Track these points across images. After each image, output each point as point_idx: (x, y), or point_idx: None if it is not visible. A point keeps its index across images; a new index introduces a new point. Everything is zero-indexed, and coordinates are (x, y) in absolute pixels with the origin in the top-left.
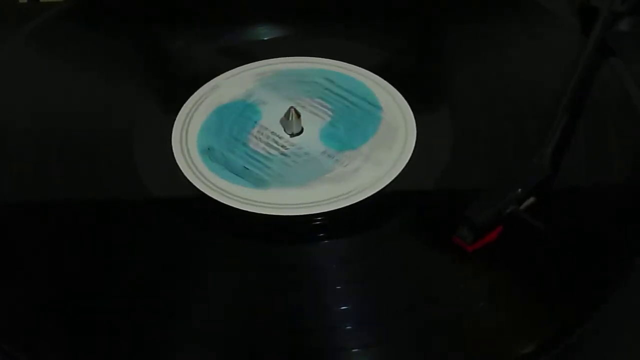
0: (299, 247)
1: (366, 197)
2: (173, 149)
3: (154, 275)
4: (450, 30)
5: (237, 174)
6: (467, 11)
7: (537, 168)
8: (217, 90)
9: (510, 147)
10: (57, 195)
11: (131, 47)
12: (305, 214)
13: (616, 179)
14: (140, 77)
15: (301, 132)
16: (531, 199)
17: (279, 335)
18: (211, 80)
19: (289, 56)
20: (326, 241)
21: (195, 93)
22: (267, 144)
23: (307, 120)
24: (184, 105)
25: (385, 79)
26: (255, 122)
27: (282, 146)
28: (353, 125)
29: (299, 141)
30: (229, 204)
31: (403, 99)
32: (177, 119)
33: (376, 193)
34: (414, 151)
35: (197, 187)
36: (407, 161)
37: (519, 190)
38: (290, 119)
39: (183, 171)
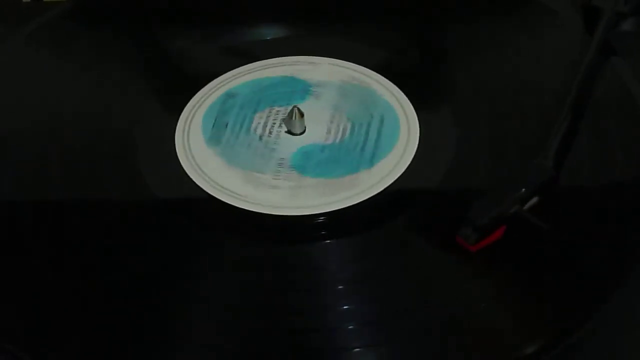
0: (300, 247)
1: (368, 197)
2: (176, 148)
3: (155, 275)
4: (453, 29)
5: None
6: (470, 10)
7: (540, 168)
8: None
9: (513, 147)
10: (58, 195)
11: (133, 46)
12: (307, 214)
13: (619, 180)
14: (142, 77)
15: (304, 131)
16: (534, 199)
17: (280, 335)
18: (213, 80)
19: (289, 56)
20: (327, 241)
21: (198, 93)
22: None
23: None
24: (187, 104)
25: (387, 78)
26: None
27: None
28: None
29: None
30: (231, 203)
31: (406, 98)
32: (179, 118)
33: (378, 193)
34: (416, 151)
35: (200, 186)
36: (409, 161)
37: (522, 190)
38: (293, 118)
39: (186, 170)
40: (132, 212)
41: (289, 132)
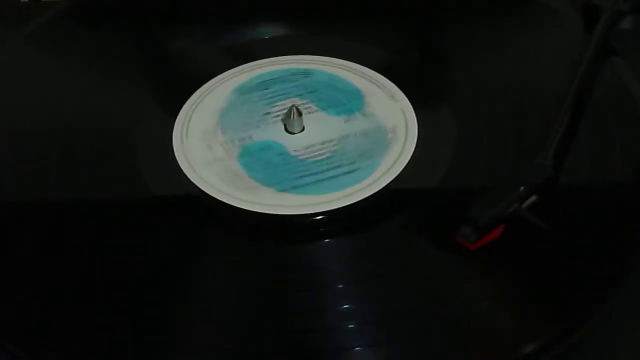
0: (299, 246)
1: (367, 196)
2: (174, 147)
3: (154, 274)
4: (453, 28)
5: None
6: (470, 10)
7: (539, 168)
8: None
9: (513, 147)
10: (57, 195)
11: (132, 46)
12: (306, 213)
13: (618, 179)
14: (141, 77)
15: (302, 130)
16: (534, 198)
17: (280, 335)
18: (212, 79)
19: (290, 55)
20: (326, 240)
21: (196, 92)
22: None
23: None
24: (185, 104)
25: (387, 77)
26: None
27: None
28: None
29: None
30: (229, 202)
31: (405, 97)
32: (178, 117)
33: (377, 192)
34: (415, 150)
35: (198, 185)
36: (408, 160)
37: (522, 189)
38: (292, 117)
39: (184, 170)
40: (131, 211)
41: (287, 131)
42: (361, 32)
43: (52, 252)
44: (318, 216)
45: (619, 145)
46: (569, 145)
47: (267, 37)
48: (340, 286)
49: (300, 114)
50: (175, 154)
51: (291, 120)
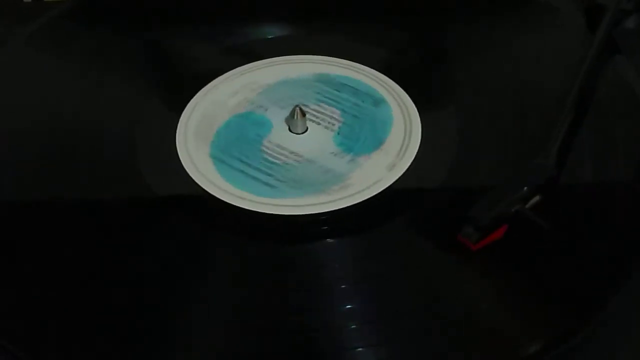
0: (300, 246)
1: (370, 196)
2: (177, 147)
3: (156, 274)
4: (455, 28)
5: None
6: (472, 9)
7: (542, 167)
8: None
9: (515, 146)
10: (59, 195)
11: (133, 46)
12: (308, 213)
13: (621, 178)
14: (142, 77)
15: (306, 131)
16: (536, 198)
17: (282, 334)
18: (214, 80)
19: (291, 55)
20: (329, 241)
21: (199, 92)
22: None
23: (313, 123)
24: (188, 104)
25: (389, 77)
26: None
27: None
28: (361, 128)
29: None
30: (232, 202)
31: (408, 97)
32: (180, 118)
33: (380, 192)
34: (418, 150)
35: (201, 185)
36: (411, 160)
37: (524, 189)
38: (295, 117)
39: (187, 170)
40: (133, 211)
41: (291, 131)
42: (363, 32)
43: (53, 251)
44: (321, 216)
45: (622, 144)
46: (571, 145)
47: (270, 37)
48: (341, 286)
49: (304, 114)
50: (179, 153)
51: (294, 120)
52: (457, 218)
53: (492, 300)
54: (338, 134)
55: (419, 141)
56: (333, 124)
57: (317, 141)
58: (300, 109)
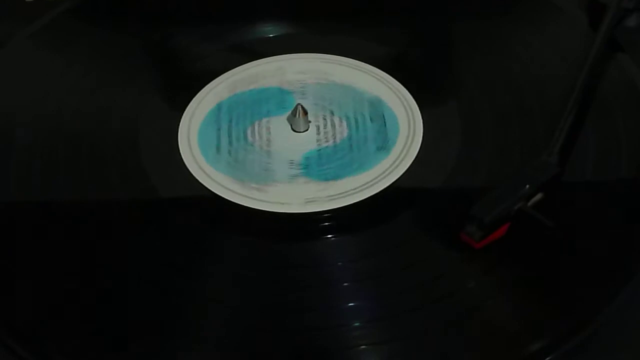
0: (303, 245)
1: (372, 194)
2: (179, 146)
3: (159, 273)
4: (457, 26)
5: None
6: (474, 7)
7: (545, 165)
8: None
9: (518, 144)
10: (62, 194)
11: (135, 45)
12: (310, 211)
13: (624, 176)
14: (145, 75)
15: (308, 129)
16: (539, 195)
17: (283, 334)
18: (217, 78)
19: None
20: (331, 239)
21: (202, 91)
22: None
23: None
24: (190, 102)
25: (391, 75)
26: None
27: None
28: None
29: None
30: (234, 200)
31: (410, 95)
32: (183, 116)
33: (382, 190)
34: (420, 148)
35: (204, 184)
36: (413, 158)
37: (527, 187)
38: (297, 116)
39: (189, 169)
40: (136, 210)
41: (293, 129)
42: (365, 30)
43: (55, 251)
44: (324, 214)
45: (625, 142)
46: (574, 143)
47: (271, 36)
48: (344, 284)
49: (305, 112)
50: (181, 152)
51: (297, 119)
52: (459, 216)
53: (494, 299)
54: (318, 151)
55: (421, 139)
56: (327, 139)
57: (296, 143)
58: (302, 107)
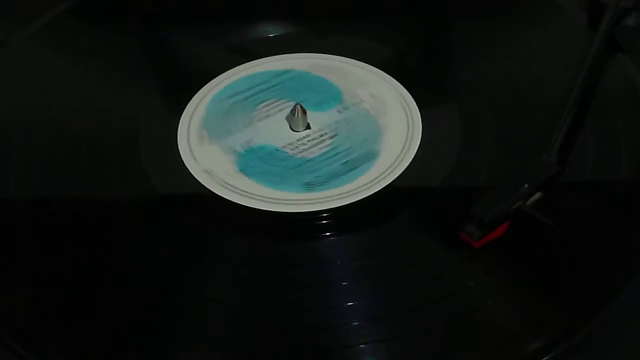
0: (302, 244)
1: (371, 194)
2: (179, 146)
3: (159, 273)
4: (457, 26)
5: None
6: (474, 7)
7: (544, 164)
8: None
9: (517, 143)
10: (62, 194)
11: (135, 45)
12: (310, 210)
13: (624, 176)
14: (145, 75)
15: (307, 128)
16: (538, 194)
17: (283, 334)
18: (217, 78)
19: (292, 53)
20: (332, 239)
21: (201, 90)
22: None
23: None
24: (190, 102)
25: (391, 75)
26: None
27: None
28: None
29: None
30: (234, 200)
31: (409, 95)
32: (182, 116)
33: (381, 190)
34: (419, 147)
35: (203, 183)
36: (412, 157)
37: (526, 186)
38: (296, 115)
39: (189, 168)
40: (135, 209)
41: (292, 129)
42: (365, 30)
43: (55, 250)
44: (323, 214)
45: (624, 141)
46: (573, 142)
47: (271, 36)
48: (343, 283)
49: (304, 111)
50: (180, 151)
51: (295, 119)
52: (459, 216)
53: (493, 299)
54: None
55: (420, 138)
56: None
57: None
58: (301, 107)
